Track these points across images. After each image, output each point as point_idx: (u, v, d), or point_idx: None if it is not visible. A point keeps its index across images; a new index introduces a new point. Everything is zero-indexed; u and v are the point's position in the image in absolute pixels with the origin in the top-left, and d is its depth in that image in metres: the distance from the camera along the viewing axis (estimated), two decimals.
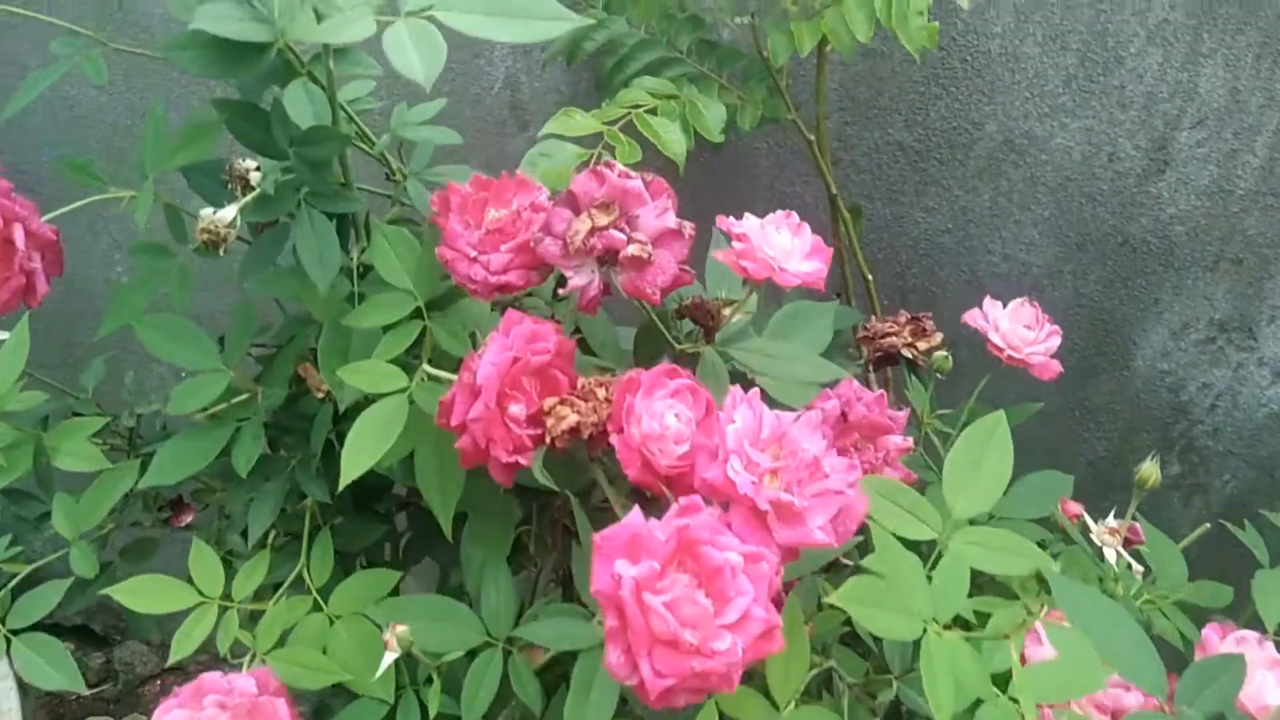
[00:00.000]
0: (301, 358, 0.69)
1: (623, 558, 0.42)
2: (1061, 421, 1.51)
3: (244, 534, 0.69)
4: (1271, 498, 1.53)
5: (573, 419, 0.52)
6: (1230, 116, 1.25)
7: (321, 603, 0.67)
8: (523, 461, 0.54)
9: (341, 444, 0.64)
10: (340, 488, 0.54)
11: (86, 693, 1.85)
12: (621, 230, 0.55)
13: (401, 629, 0.54)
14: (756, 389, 0.50)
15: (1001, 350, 0.77)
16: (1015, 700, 0.47)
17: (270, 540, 0.72)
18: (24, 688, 1.69)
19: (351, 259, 0.67)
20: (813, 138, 0.98)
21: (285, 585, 0.67)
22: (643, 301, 0.58)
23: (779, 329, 0.74)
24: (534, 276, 0.58)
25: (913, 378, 0.82)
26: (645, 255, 0.55)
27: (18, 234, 0.55)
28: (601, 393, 0.54)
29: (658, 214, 0.56)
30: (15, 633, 0.66)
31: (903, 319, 0.86)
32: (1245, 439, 1.49)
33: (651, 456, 0.51)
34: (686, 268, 0.57)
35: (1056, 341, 0.79)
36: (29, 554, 0.73)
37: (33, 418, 0.74)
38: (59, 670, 0.64)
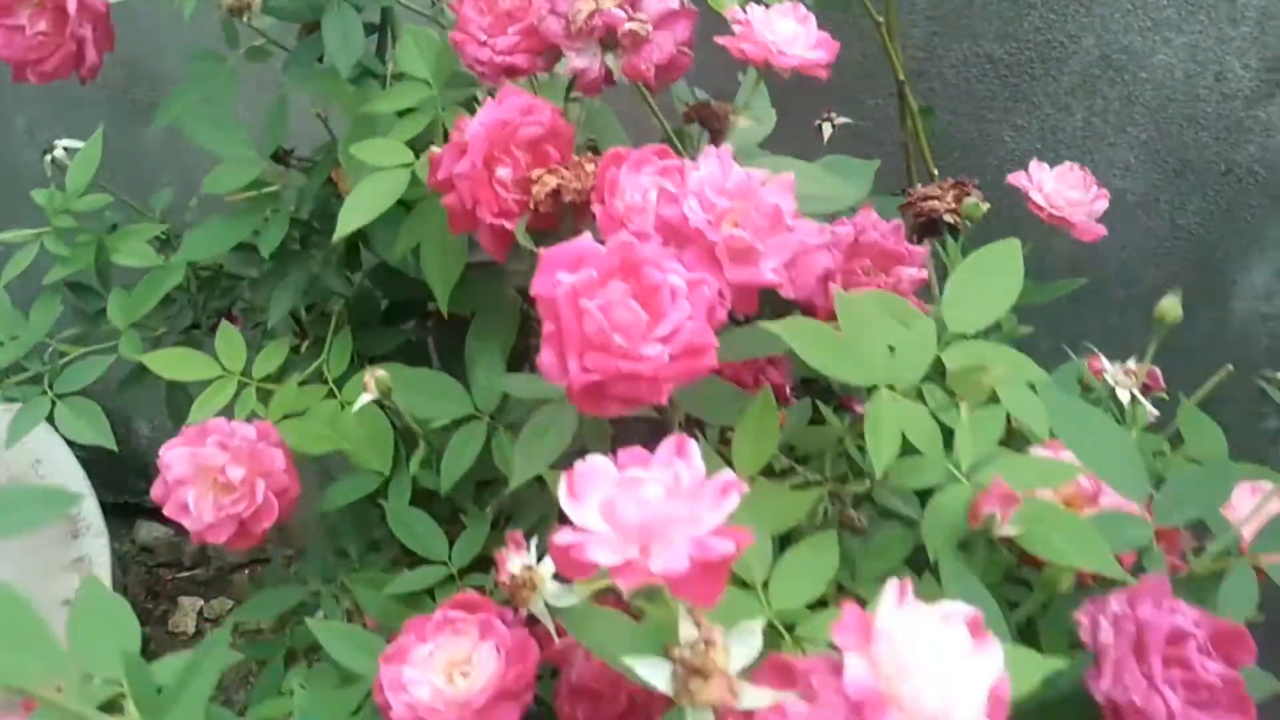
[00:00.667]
0: (336, 164, 0.72)
1: (565, 269, 0.43)
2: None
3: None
4: None
5: (555, 182, 0.54)
6: None
7: (336, 391, 0.70)
8: (508, 225, 0.55)
9: (366, 244, 0.67)
10: (334, 238, 0.56)
11: (181, 575, 1.97)
12: (624, 9, 0.56)
13: (381, 373, 0.57)
14: (729, 146, 0.50)
15: (1042, 209, 0.75)
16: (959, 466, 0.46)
17: (301, 347, 0.76)
18: (124, 564, 1.81)
19: (386, 67, 0.70)
20: (881, 19, 0.96)
21: (305, 373, 0.71)
22: (643, 88, 0.58)
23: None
24: (539, 61, 0.60)
25: (948, 238, 0.81)
26: (643, 32, 0.55)
27: (70, 2, 0.60)
28: (590, 166, 0.55)
29: (661, 3, 0.57)
30: (60, 396, 0.71)
31: (947, 184, 0.84)
32: None
33: (632, 228, 0.52)
34: (686, 49, 0.57)
35: (1103, 205, 0.76)
36: (85, 342, 0.78)
37: (102, 222, 0.80)
38: (94, 429, 0.69)
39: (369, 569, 0.66)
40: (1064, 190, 0.75)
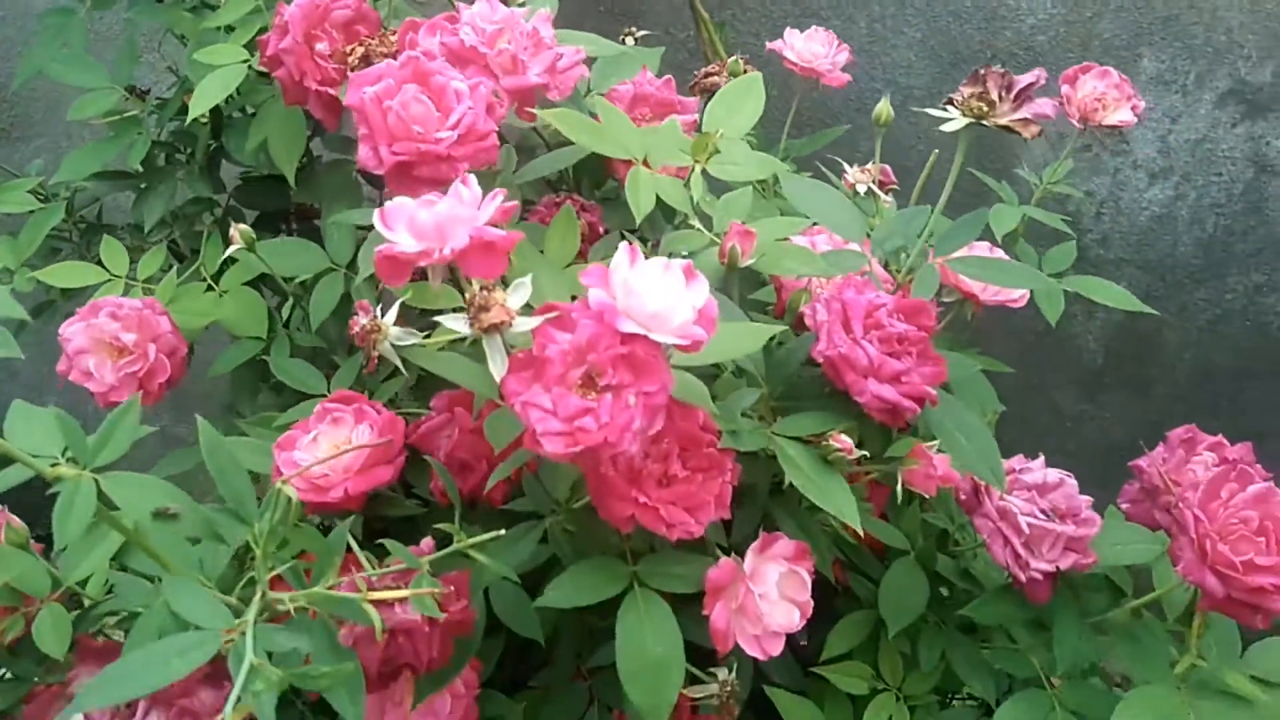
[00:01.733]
0: (189, 92, 0.83)
1: (369, 84, 0.56)
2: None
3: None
4: (1167, 299, 1.63)
5: (363, 50, 0.66)
6: None
7: (214, 285, 0.81)
8: (332, 91, 0.67)
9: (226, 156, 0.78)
10: (189, 120, 0.67)
11: None
12: None
13: (244, 228, 0.68)
14: None
15: (795, 64, 0.89)
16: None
17: (185, 262, 0.86)
18: None
19: None
20: None
21: (185, 275, 0.81)
22: None
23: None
24: None
25: None
26: None
27: None
28: (393, 36, 0.67)
29: None
30: None
31: (720, 64, 0.98)
32: (1133, 244, 1.60)
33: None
34: None
35: (845, 57, 0.91)
36: None
37: None
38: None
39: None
40: (811, 47, 0.90)
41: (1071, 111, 0.85)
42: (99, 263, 0.79)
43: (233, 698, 0.41)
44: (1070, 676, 0.66)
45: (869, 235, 0.67)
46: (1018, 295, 0.75)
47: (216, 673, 0.54)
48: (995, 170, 1.14)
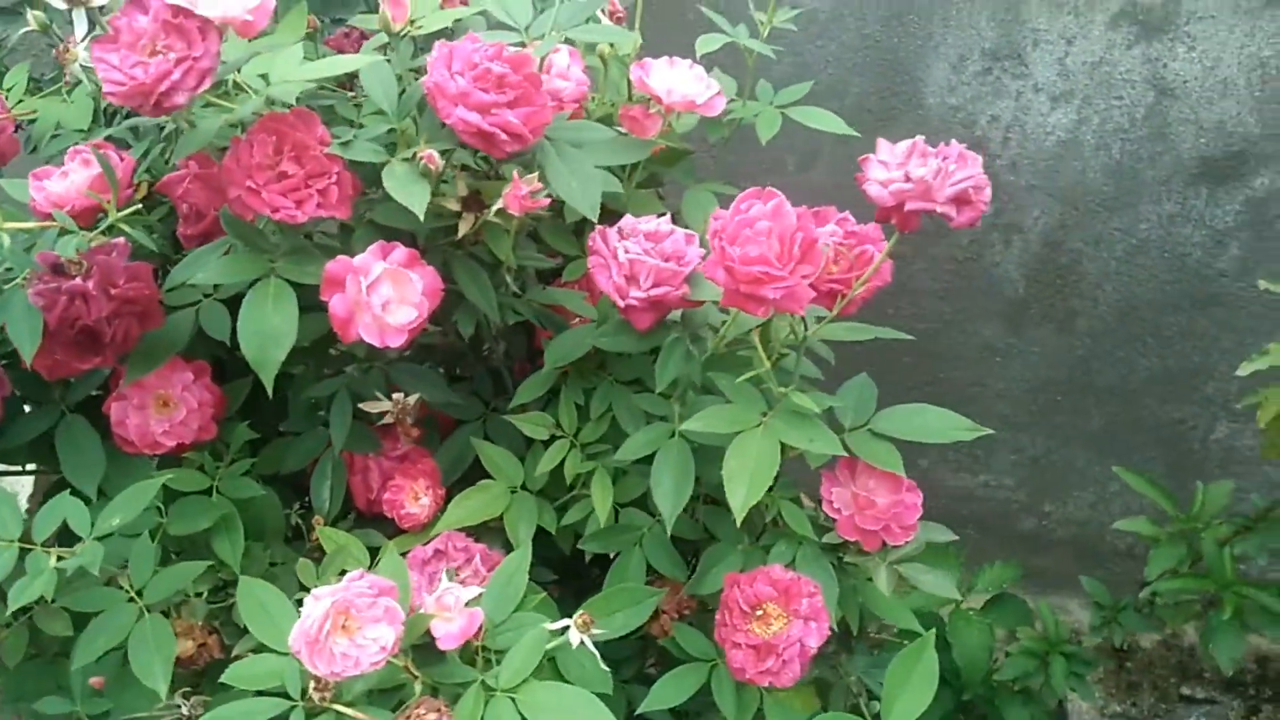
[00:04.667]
0: None
1: None
2: None
3: None
4: (1082, 229, 1.66)
5: None
6: None
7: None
8: None
9: None
10: None
11: None
12: None
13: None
14: None
15: None
16: None
17: None
18: None
19: None
20: None
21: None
22: None
23: None
24: None
25: None
26: None
27: None
28: None
29: None
30: None
31: None
32: (1041, 170, 1.64)
33: None
34: None
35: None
36: None
37: None
38: None
39: None
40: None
41: None
42: None
43: None
44: (682, 398, 0.76)
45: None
46: (704, 100, 0.85)
47: None
48: None
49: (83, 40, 0.60)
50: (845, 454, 0.69)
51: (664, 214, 0.77)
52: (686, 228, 0.88)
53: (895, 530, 0.73)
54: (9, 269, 0.73)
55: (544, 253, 0.89)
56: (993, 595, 1.35)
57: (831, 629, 0.74)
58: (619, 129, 0.90)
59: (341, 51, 0.92)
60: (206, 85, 0.60)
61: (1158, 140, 1.57)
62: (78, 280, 0.69)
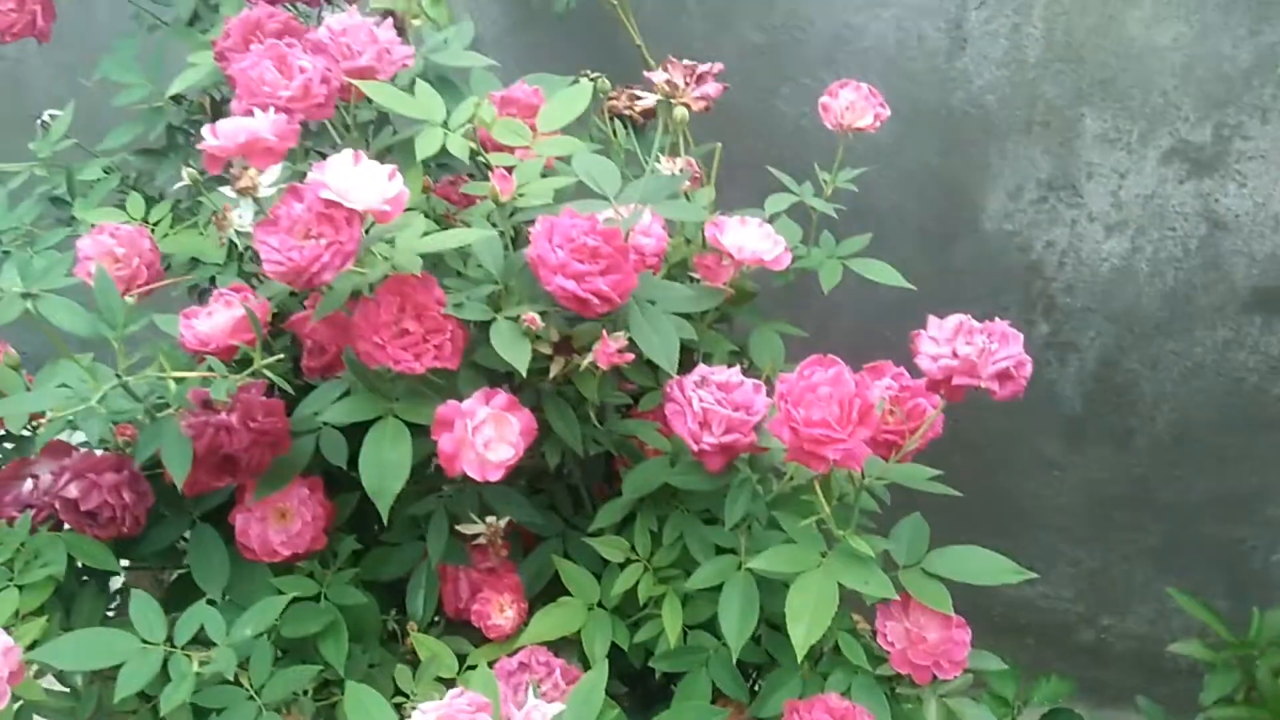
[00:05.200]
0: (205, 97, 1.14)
1: None
2: (934, 285, 1.77)
3: None
4: (1138, 351, 1.71)
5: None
6: None
7: (199, 228, 1.10)
8: None
9: None
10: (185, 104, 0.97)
11: None
12: None
13: (191, 170, 0.97)
14: None
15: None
16: None
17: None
18: None
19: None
20: (615, 2, 1.37)
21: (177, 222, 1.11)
22: None
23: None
24: None
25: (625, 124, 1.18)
26: None
27: None
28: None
29: None
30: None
31: (627, 93, 1.22)
32: (1097, 294, 1.70)
33: None
34: None
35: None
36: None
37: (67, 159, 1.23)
38: None
39: None
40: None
41: (829, 119, 1.03)
42: (123, 208, 1.10)
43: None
44: (748, 531, 0.83)
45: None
46: (772, 257, 0.94)
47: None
48: None
49: (249, 223, 0.71)
50: (898, 596, 0.76)
51: (734, 351, 0.85)
52: (753, 364, 0.97)
53: (945, 665, 0.80)
54: (162, 400, 0.84)
55: (621, 384, 0.98)
56: (1049, 710, 1.38)
57: None
58: (693, 274, 1.00)
59: (448, 199, 1.04)
60: (350, 265, 0.70)
61: (1211, 269, 1.62)
62: (224, 415, 0.80)
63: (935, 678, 0.79)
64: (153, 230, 1.09)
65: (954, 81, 1.61)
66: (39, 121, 1.25)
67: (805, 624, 0.71)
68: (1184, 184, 1.58)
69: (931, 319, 0.73)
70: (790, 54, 1.66)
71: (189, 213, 1.14)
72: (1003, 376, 0.68)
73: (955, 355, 0.68)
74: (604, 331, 0.80)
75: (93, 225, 1.03)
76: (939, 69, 1.60)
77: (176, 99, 1.17)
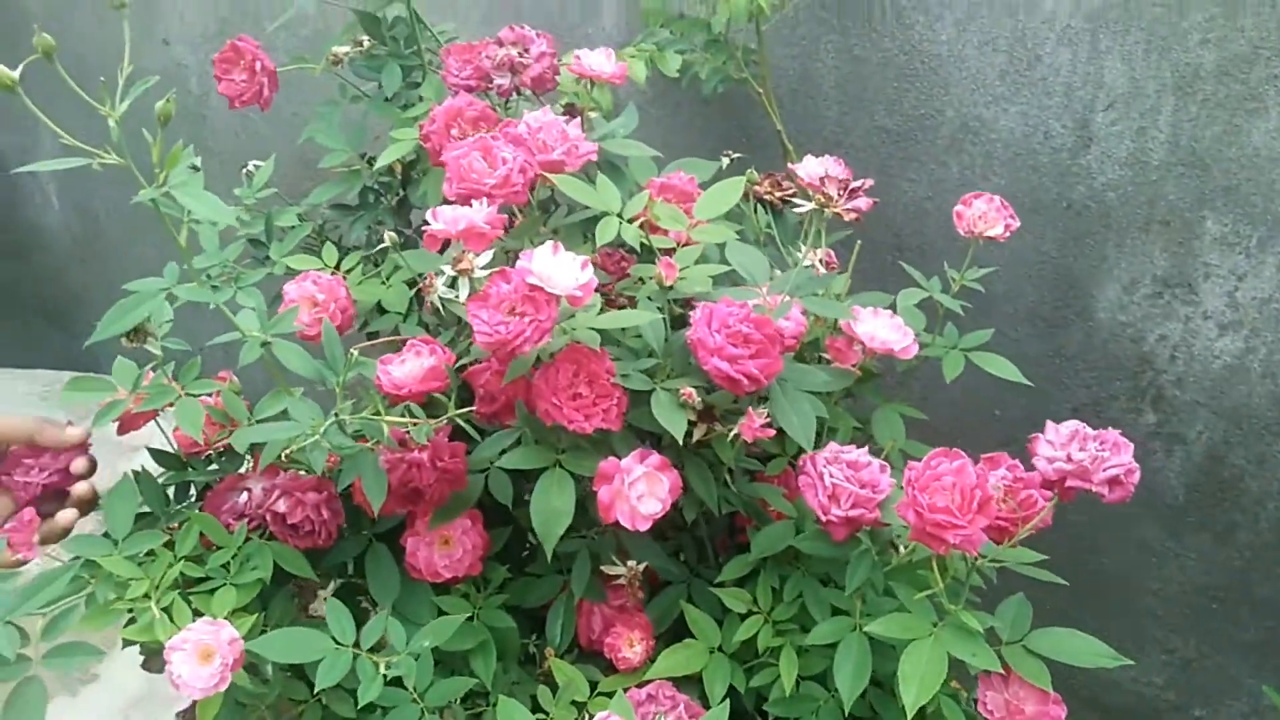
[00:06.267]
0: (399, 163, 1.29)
1: None
2: (1044, 368, 1.83)
3: None
4: (1245, 447, 1.74)
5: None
6: (1134, 100, 1.61)
7: (384, 279, 1.25)
8: None
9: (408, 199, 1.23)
10: (385, 171, 1.12)
11: None
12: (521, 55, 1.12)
13: (391, 234, 1.11)
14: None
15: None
16: None
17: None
18: None
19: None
20: (761, 90, 1.49)
21: (367, 271, 1.26)
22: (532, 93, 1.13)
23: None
24: (479, 86, 1.15)
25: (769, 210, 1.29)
26: (525, 61, 1.10)
27: (259, 62, 1.20)
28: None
29: (538, 49, 1.12)
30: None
31: (771, 181, 1.33)
32: (1207, 389, 1.74)
33: None
34: (553, 74, 1.12)
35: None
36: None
37: (268, 205, 1.40)
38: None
39: None
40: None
41: (962, 226, 1.12)
42: (319, 256, 1.25)
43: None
44: (866, 599, 0.92)
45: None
46: (901, 348, 1.04)
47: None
48: None
49: (464, 298, 0.84)
50: (1001, 669, 0.84)
51: (858, 428, 0.94)
52: (874, 440, 1.06)
53: None
54: (359, 433, 0.98)
55: (749, 450, 1.09)
56: None
57: None
58: (823, 354, 1.09)
59: (605, 269, 1.16)
60: (547, 340, 0.82)
61: None
62: (416, 453, 0.93)
63: None
64: (345, 278, 1.24)
65: (1076, 177, 1.68)
66: (244, 171, 1.42)
67: (915, 688, 0.80)
68: None
69: (1049, 424, 0.82)
70: (919, 141, 1.75)
71: (372, 264, 1.29)
72: (1113, 482, 0.76)
73: (1070, 460, 0.77)
74: (749, 409, 0.90)
75: (288, 268, 1.19)
76: (1061, 164, 1.68)
77: (369, 161, 1.33)
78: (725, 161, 1.50)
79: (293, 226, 1.34)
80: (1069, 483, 0.77)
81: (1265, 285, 1.63)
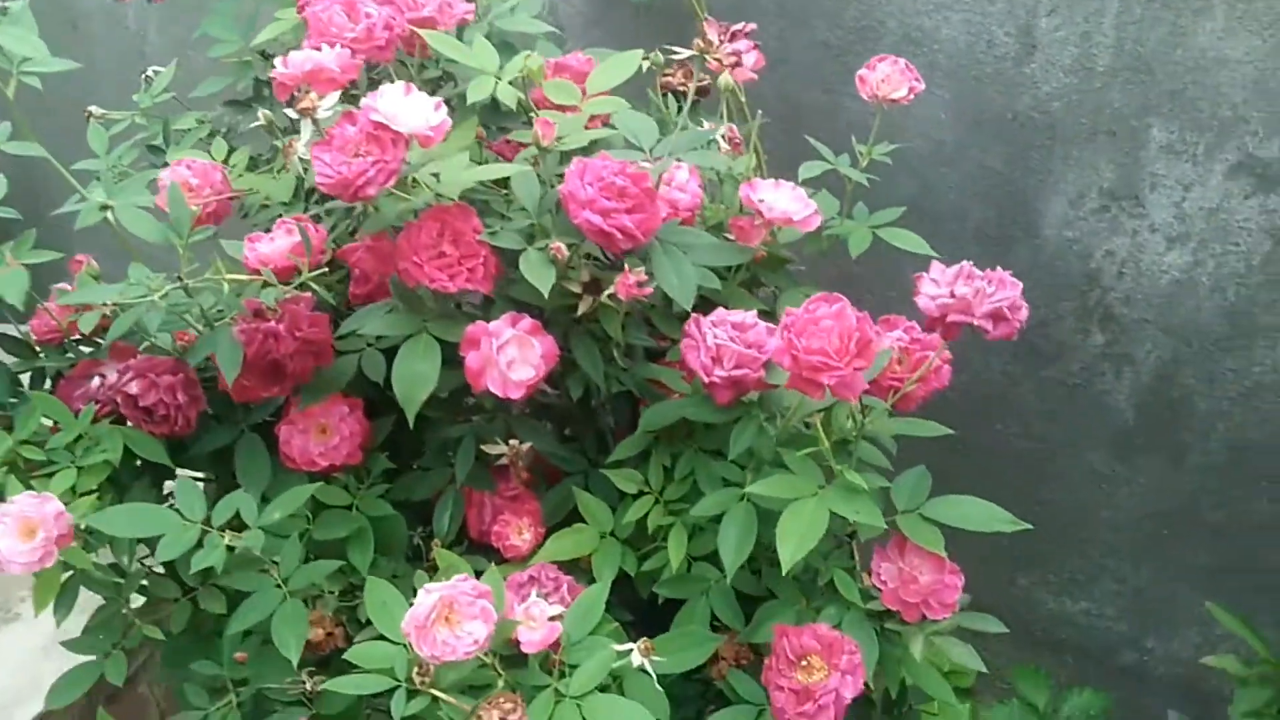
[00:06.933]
0: None
1: None
2: None
3: None
4: (1195, 365, 1.69)
5: None
6: (1078, 2, 1.55)
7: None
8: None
9: None
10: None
11: None
12: None
13: (266, 112, 1.05)
14: None
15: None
16: None
17: None
18: None
19: None
20: (697, 5, 1.42)
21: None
22: None
23: None
24: None
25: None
26: None
27: None
28: None
29: None
30: None
31: (680, 72, 1.27)
32: (1156, 306, 1.68)
33: None
34: None
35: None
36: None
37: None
38: None
39: None
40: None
41: (865, 90, 1.07)
42: (209, 153, 1.19)
43: None
44: (756, 470, 0.87)
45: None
46: (800, 217, 0.98)
47: None
48: None
49: (305, 142, 0.78)
50: (888, 530, 0.79)
51: (764, 312, 0.89)
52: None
53: (935, 606, 0.82)
54: (219, 310, 0.92)
55: (655, 336, 1.03)
56: None
57: (873, 698, 0.83)
58: (728, 235, 1.04)
59: (502, 156, 1.10)
60: (393, 182, 0.77)
61: (1274, 287, 1.60)
62: (272, 323, 0.87)
63: (924, 617, 0.82)
64: (230, 171, 1.18)
65: (1021, 87, 1.62)
66: (143, 76, 1.36)
67: (793, 544, 0.75)
68: (1249, 199, 1.56)
69: (935, 264, 0.76)
70: (861, 54, 1.69)
71: (266, 162, 1.23)
72: (996, 316, 0.71)
73: (953, 295, 0.71)
74: (626, 266, 0.85)
75: None
76: (1006, 73, 1.62)
77: (264, 54, 1.26)
78: (645, 64, 1.44)
79: (190, 129, 1.28)
80: (951, 318, 0.72)
81: (1212, 194, 1.58)
